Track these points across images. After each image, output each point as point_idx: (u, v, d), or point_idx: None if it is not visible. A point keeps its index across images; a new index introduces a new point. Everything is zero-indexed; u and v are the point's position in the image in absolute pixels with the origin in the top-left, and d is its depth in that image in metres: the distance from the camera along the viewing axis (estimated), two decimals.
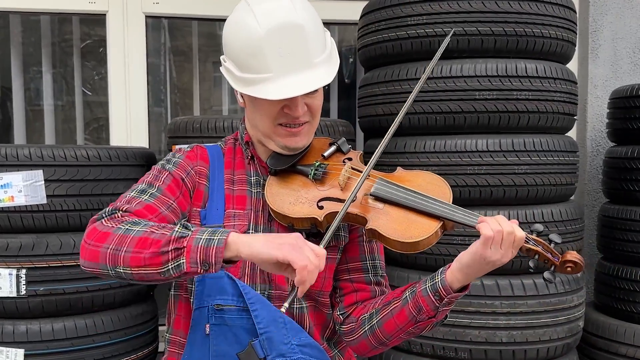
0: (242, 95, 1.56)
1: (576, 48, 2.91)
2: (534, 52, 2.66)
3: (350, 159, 1.60)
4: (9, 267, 2.54)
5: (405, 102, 2.62)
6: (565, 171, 2.70)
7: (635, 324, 2.91)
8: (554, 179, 2.65)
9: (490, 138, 2.58)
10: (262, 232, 1.56)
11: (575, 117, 2.85)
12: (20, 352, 2.55)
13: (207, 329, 1.50)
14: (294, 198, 1.53)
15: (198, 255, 1.26)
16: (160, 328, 3.17)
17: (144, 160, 2.86)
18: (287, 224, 1.53)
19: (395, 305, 1.52)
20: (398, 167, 1.60)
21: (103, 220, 1.39)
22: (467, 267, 1.43)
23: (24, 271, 2.55)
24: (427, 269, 2.59)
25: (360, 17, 2.96)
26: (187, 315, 1.57)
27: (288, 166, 1.57)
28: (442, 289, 1.45)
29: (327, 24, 4.39)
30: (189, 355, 1.54)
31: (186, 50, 5.50)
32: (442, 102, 2.59)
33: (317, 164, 1.57)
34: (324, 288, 1.61)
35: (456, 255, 1.45)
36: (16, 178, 2.54)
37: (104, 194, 2.67)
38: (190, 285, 1.55)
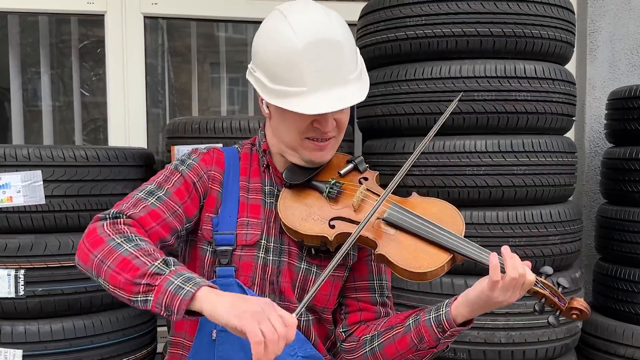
0: (267, 106, 1.53)
1: (574, 49, 2.92)
2: (532, 53, 2.66)
3: (366, 179, 1.58)
4: (7, 268, 2.54)
5: (404, 102, 2.63)
6: (563, 172, 2.70)
7: (634, 325, 2.92)
8: (553, 179, 2.65)
9: (489, 139, 2.58)
10: (274, 243, 1.56)
11: (573, 118, 2.85)
12: (19, 353, 2.54)
13: (214, 335, 1.50)
14: (306, 214, 1.52)
15: (164, 299, 1.24)
16: (159, 329, 3.16)
17: (142, 161, 2.86)
18: (298, 239, 1.53)
19: (398, 330, 1.52)
20: (414, 193, 1.58)
21: (105, 223, 1.38)
22: (473, 304, 1.43)
23: (22, 272, 2.54)
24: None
25: (359, 18, 2.97)
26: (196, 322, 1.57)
27: (305, 180, 1.55)
28: (445, 322, 1.45)
29: None
30: (194, 359, 1.54)
31: (184, 51, 5.50)
32: (441, 103, 2.59)
33: (332, 181, 1.55)
34: (328, 305, 1.61)
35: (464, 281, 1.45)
36: (15, 178, 2.54)
37: (103, 194, 2.66)
38: None
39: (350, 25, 4.09)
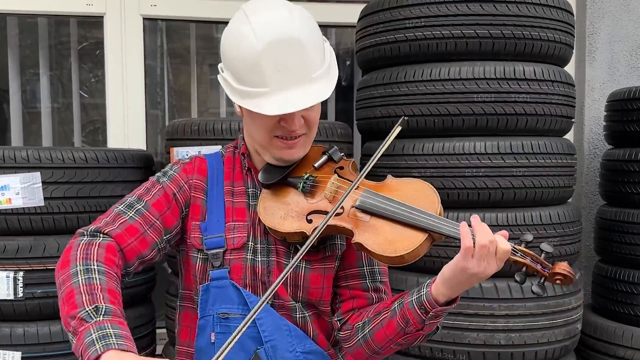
0: (239, 106, 1.54)
1: (573, 51, 2.92)
2: (531, 55, 2.66)
3: (341, 168, 1.57)
4: (6, 270, 2.54)
5: (404, 104, 2.63)
6: (563, 173, 2.70)
7: (633, 326, 2.92)
8: (552, 181, 2.65)
9: (488, 140, 2.59)
10: (260, 244, 1.56)
11: (572, 120, 2.85)
12: (18, 355, 2.54)
13: (213, 337, 1.51)
14: (284, 212, 1.52)
15: (80, 348, 1.25)
16: (158, 331, 3.16)
17: (141, 163, 2.86)
18: (280, 238, 1.54)
19: (385, 315, 1.51)
20: (389, 175, 1.56)
21: (82, 242, 1.41)
22: (450, 280, 1.39)
23: (21, 273, 2.54)
24: (427, 271, 2.59)
25: (358, 20, 2.97)
26: (193, 326, 1.57)
27: (277, 180, 1.55)
28: (427, 303, 1.42)
29: (325, 27, 4.41)
30: None
31: (183, 52, 5.50)
32: (440, 105, 2.60)
33: (306, 176, 1.56)
34: (323, 297, 1.60)
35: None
36: (14, 180, 2.54)
37: (102, 196, 2.66)
38: (197, 297, 1.56)
39: (350, 27, 4.11)
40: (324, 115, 4.56)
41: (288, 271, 1.31)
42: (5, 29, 4.73)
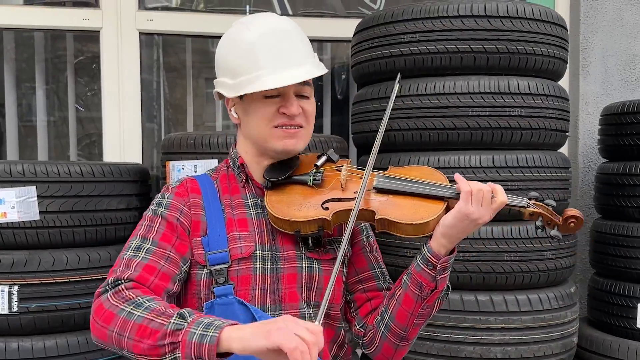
0: (236, 112, 1.60)
1: (567, 65, 2.94)
2: (526, 69, 2.68)
3: (341, 166, 1.64)
4: (1, 284, 2.53)
5: (399, 118, 2.65)
6: (557, 187, 2.71)
7: (629, 340, 2.92)
8: (547, 195, 2.66)
9: (483, 154, 2.60)
10: (268, 251, 1.57)
11: (567, 134, 2.87)
12: None
13: None
14: (297, 204, 1.56)
15: (193, 351, 1.26)
16: None
17: (137, 176, 2.86)
18: (294, 231, 1.55)
19: (399, 293, 1.55)
20: (390, 166, 1.66)
21: (109, 295, 1.39)
22: (451, 228, 1.48)
23: (16, 288, 2.53)
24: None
25: (354, 35, 2.99)
26: None
27: (284, 178, 1.59)
28: (431, 257, 1.49)
29: (321, 41, 4.44)
30: None
31: (179, 66, 5.52)
32: (435, 119, 2.61)
33: (313, 171, 1.62)
34: (334, 301, 1.62)
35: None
36: (9, 194, 2.54)
37: (97, 210, 2.66)
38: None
39: (345, 41, 4.13)
40: (319, 129, 4.57)
41: (340, 259, 1.41)
42: (2, 43, 4.74)
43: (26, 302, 2.54)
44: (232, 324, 1.28)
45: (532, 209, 1.54)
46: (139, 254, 1.47)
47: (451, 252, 1.52)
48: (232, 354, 1.27)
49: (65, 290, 2.59)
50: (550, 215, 1.55)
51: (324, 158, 1.66)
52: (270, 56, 1.51)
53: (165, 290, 1.46)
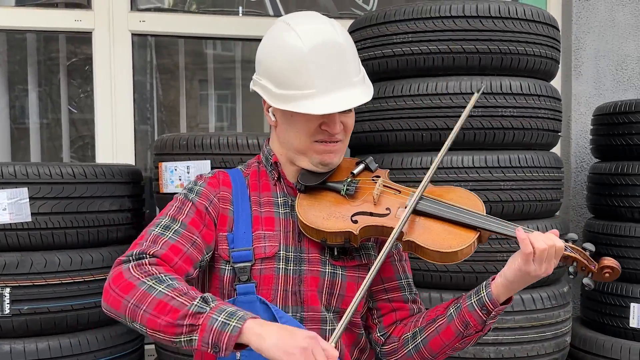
0: (274, 114, 1.56)
1: (560, 66, 2.95)
2: (518, 70, 2.69)
3: (378, 177, 1.61)
4: None
5: (391, 118, 2.65)
6: (550, 187, 2.72)
7: (622, 339, 2.93)
8: (539, 194, 2.67)
9: (476, 154, 2.60)
10: (293, 252, 1.56)
11: (559, 134, 2.87)
12: None
13: (238, 355, 1.47)
14: (327, 213, 1.53)
15: (210, 337, 1.25)
16: (146, 347, 3.14)
17: (129, 178, 2.85)
18: (320, 239, 1.53)
19: (441, 322, 1.53)
20: (428, 184, 1.61)
21: (130, 266, 1.37)
22: (512, 283, 1.45)
23: (7, 290, 2.52)
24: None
25: None
26: None
27: (318, 183, 1.57)
28: (489, 303, 1.47)
29: None
30: None
31: (173, 68, 5.51)
32: (428, 119, 2.61)
33: (348, 180, 1.58)
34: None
35: (493, 272, 1.47)
36: (1, 196, 2.52)
37: (89, 211, 2.65)
38: None
39: None
40: None
41: (380, 261, 1.38)
42: None
43: (18, 304, 2.53)
44: (255, 317, 1.28)
45: (567, 253, 1.45)
46: (167, 233, 1.47)
47: (507, 301, 1.49)
48: (247, 346, 1.26)
49: (58, 292, 2.58)
50: (585, 262, 1.45)
51: (361, 166, 1.62)
52: (321, 76, 1.45)
53: (186, 273, 1.45)
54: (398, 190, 1.55)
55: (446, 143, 1.65)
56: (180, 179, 2.71)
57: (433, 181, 1.63)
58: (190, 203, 1.53)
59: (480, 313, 1.48)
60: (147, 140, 5.32)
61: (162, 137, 2.89)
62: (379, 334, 1.64)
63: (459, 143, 2.62)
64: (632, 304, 2.90)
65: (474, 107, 2.56)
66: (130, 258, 1.40)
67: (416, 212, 1.51)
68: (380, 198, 1.54)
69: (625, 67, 3.79)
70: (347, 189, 1.56)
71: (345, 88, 1.48)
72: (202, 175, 1.62)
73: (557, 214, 2.95)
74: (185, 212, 1.52)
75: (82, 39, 4.53)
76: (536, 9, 2.71)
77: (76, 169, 2.64)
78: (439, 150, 2.59)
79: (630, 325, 2.92)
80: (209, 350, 1.26)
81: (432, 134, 2.62)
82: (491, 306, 1.46)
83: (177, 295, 1.30)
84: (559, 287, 2.76)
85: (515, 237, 1.43)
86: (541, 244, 1.40)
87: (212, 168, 2.65)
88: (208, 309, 1.27)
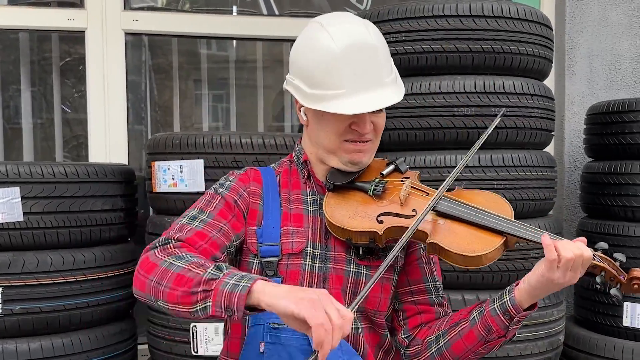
0: (305, 113, 1.59)
1: (553, 65, 2.95)
2: (511, 69, 2.69)
3: (407, 178, 1.61)
4: None
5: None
6: (543, 186, 2.72)
7: (615, 338, 2.93)
8: (533, 194, 2.67)
9: None
10: (319, 249, 1.57)
11: (552, 133, 2.88)
12: None
13: (262, 347, 1.50)
14: (352, 212, 1.54)
15: (222, 300, 1.26)
16: (140, 347, 3.13)
17: (122, 177, 2.84)
18: (346, 238, 1.54)
19: (464, 326, 1.54)
20: (456, 186, 1.62)
21: (156, 251, 1.42)
22: (535, 289, 1.45)
23: None
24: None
25: None
26: (240, 336, 1.57)
27: (347, 182, 1.58)
28: (512, 308, 1.47)
29: None
30: None
31: (168, 68, 5.50)
32: (421, 118, 2.61)
33: (376, 180, 1.59)
34: (379, 308, 1.61)
35: (515, 271, 1.43)
36: None
37: (82, 210, 2.64)
38: None
39: None
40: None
41: (381, 271, 1.37)
42: None
43: (10, 304, 2.52)
44: (265, 279, 1.29)
45: (596, 262, 1.43)
46: (194, 223, 1.50)
47: (532, 306, 1.49)
48: (259, 308, 1.27)
49: (50, 291, 2.57)
50: (614, 272, 1.43)
51: (391, 167, 1.63)
52: (353, 76, 1.48)
53: (213, 256, 1.47)
54: (426, 192, 1.56)
55: (475, 145, 1.68)
56: (173, 179, 2.70)
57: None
58: (220, 197, 1.57)
59: (502, 318, 1.48)
60: (142, 140, 5.31)
61: (155, 137, 2.88)
62: (403, 336, 1.65)
63: (452, 142, 2.62)
64: (625, 303, 2.91)
65: (467, 106, 2.59)
66: (157, 244, 1.45)
67: (441, 214, 1.51)
68: (407, 199, 1.55)
69: (619, 66, 3.80)
70: (374, 189, 1.57)
71: (376, 88, 1.50)
72: (234, 172, 1.66)
73: (550, 213, 2.96)
74: (214, 204, 1.55)
75: (75, 39, 4.52)
76: (529, 8, 2.71)
77: (68, 168, 2.63)
78: (431, 149, 2.62)
79: (624, 324, 2.92)
80: (223, 314, 1.27)
81: (425, 133, 2.61)
82: (514, 311, 1.47)
83: (193, 267, 1.33)
84: None
85: (542, 244, 1.43)
86: (568, 253, 1.39)
87: (205, 167, 2.64)
88: (221, 275, 1.30)
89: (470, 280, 2.59)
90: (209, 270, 1.31)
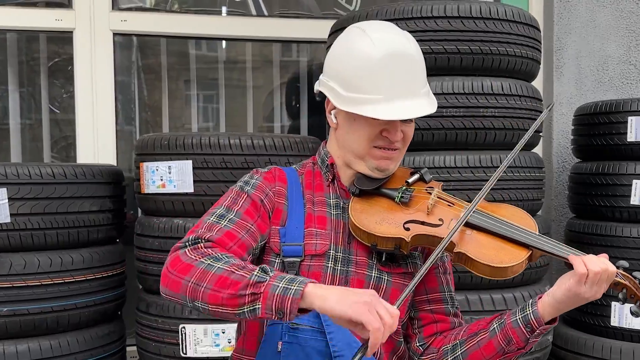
0: (336, 116, 1.61)
1: (541, 66, 2.97)
2: (499, 70, 2.70)
3: (432, 188, 1.63)
4: None
5: None
6: (531, 187, 2.73)
7: (603, 337, 2.94)
8: (521, 194, 2.68)
9: (458, 154, 2.61)
10: (342, 253, 1.58)
11: (540, 134, 2.89)
12: None
13: (279, 347, 1.50)
14: (379, 218, 1.55)
15: (274, 303, 1.27)
16: (128, 348, 3.11)
17: (110, 178, 2.83)
18: (371, 243, 1.55)
19: (483, 336, 1.55)
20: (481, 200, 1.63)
21: (187, 250, 1.41)
22: (560, 303, 1.48)
23: None
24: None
25: (329, 35, 2.98)
26: (257, 335, 1.57)
27: (374, 188, 1.59)
28: (534, 321, 1.48)
29: (297, 42, 4.43)
30: None
31: (157, 69, 5.48)
32: None
33: (403, 188, 1.60)
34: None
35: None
36: None
37: (69, 212, 2.63)
38: None
39: (320, 42, 4.12)
40: (296, 130, 4.56)
41: (427, 266, 1.40)
42: None
43: None
44: (313, 281, 1.30)
45: (618, 279, 1.48)
46: (222, 222, 1.50)
47: (553, 320, 1.52)
48: (311, 310, 1.28)
49: (37, 293, 2.55)
50: (635, 290, 1.48)
51: (416, 176, 1.65)
52: (389, 83, 1.50)
53: (241, 258, 1.47)
54: (452, 203, 1.58)
55: (510, 154, 1.70)
56: (161, 179, 2.69)
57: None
58: (246, 195, 1.57)
59: (524, 330, 1.49)
60: (131, 141, 5.28)
61: (143, 137, 2.87)
62: (418, 344, 1.66)
63: (441, 143, 2.63)
64: (613, 303, 2.92)
65: (455, 107, 2.59)
66: (187, 244, 1.44)
67: (469, 225, 1.52)
68: (434, 209, 1.57)
69: (607, 67, 3.82)
70: (401, 197, 1.58)
71: (411, 98, 1.53)
72: (259, 170, 1.66)
73: (539, 213, 2.97)
74: (241, 203, 1.55)
75: (64, 39, 4.49)
76: (517, 10, 2.72)
77: (56, 169, 2.61)
78: (420, 150, 2.62)
79: (612, 323, 2.94)
80: (273, 316, 1.28)
81: (415, 134, 2.60)
82: (536, 324, 1.48)
83: (236, 270, 1.33)
84: (540, 286, 2.78)
85: (567, 259, 1.47)
86: (595, 267, 1.42)
87: (194, 168, 2.63)
88: (268, 277, 1.30)
89: (471, 280, 2.59)
90: (255, 273, 1.31)
